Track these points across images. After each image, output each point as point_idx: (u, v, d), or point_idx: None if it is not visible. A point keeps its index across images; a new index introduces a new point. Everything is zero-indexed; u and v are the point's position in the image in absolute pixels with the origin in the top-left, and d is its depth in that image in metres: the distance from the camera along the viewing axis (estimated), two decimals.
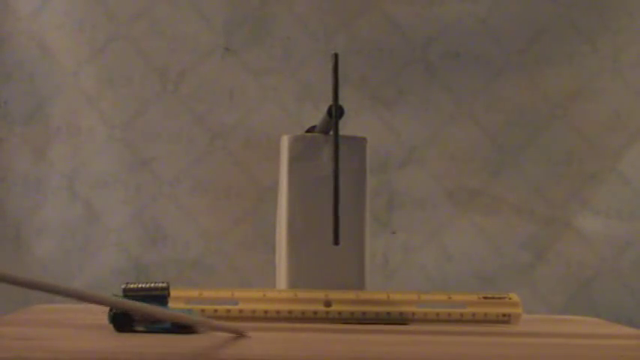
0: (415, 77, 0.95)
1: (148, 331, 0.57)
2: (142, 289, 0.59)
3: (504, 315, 0.70)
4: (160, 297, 0.59)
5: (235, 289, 0.69)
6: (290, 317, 0.68)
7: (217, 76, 0.95)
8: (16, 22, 0.94)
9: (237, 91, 0.95)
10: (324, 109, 0.69)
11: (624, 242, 0.95)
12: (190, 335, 0.56)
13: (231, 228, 0.94)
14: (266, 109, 0.95)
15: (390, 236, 0.95)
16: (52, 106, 0.94)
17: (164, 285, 0.60)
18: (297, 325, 0.65)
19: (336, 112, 0.68)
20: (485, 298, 0.70)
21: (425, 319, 0.69)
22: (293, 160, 0.74)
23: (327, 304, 0.69)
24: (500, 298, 0.70)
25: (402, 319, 0.69)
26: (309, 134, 0.76)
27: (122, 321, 0.58)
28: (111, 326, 0.58)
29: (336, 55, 0.68)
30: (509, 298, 0.71)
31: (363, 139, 0.75)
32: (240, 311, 0.68)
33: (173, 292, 0.61)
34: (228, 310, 0.68)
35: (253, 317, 0.68)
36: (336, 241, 0.65)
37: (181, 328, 0.57)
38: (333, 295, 0.69)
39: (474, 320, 0.70)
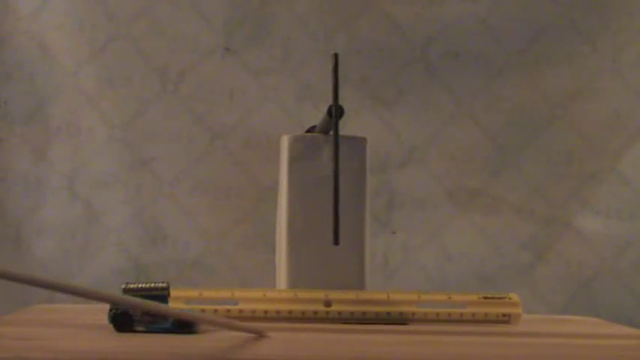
0: (415, 77, 0.95)
1: (148, 331, 0.57)
2: (141, 289, 0.59)
3: (504, 315, 0.70)
4: (159, 297, 0.59)
5: (235, 289, 0.69)
6: (290, 317, 0.68)
7: (217, 76, 0.95)
8: (16, 22, 0.94)
9: (237, 91, 0.95)
10: (324, 109, 0.69)
11: (624, 242, 0.95)
12: (190, 335, 0.56)
13: (231, 228, 0.94)
14: (266, 109, 0.95)
15: (390, 236, 0.95)
16: (52, 106, 0.94)
17: (164, 285, 0.60)
18: (297, 325, 0.65)
19: (336, 112, 0.68)
20: (485, 298, 0.70)
21: (425, 319, 0.69)
22: (293, 160, 0.74)
23: (327, 304, 0.68)
24: (500, 298, 0.70)
25: (402, 319, 0.69)
26: (309, 134, 0.76)
27: (122, 321, 0.58)
28: (111, 326, 0.58)
29: (336, 55, 0.68)
30: (509, 298, 0.71)
31: (363, 139, 0.75)
32: (240, 311, 0.68)
33: (173, 292, 0.61)
34: (228, 310, 0.68)
35: (253, 317, 0.68)
36: (336, 241, 0.65)
37: (181, 328, 0.57)
38: (333, 295, 0.69)
39: (474, 320, 0.70)
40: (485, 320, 0.70)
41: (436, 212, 0.95)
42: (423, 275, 0.94)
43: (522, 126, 0.95)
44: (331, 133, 0.69)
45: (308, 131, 0.78)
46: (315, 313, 0.68)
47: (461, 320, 0.70)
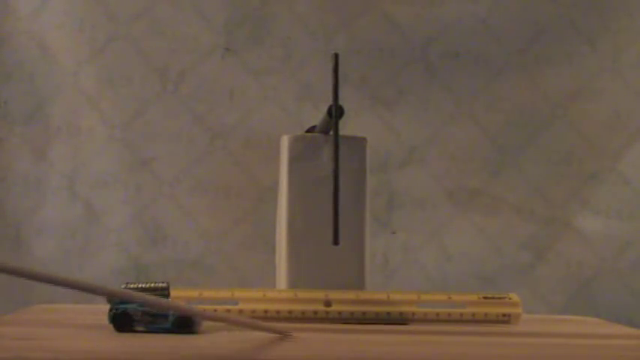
0: (415, 77, 0.95)
1: (148, 331, 0.57)
2: (141, 289, 0.59)
3: (504, 315, 0.70)
4: (159, 297, 0.59)
5: (235, 289, 0.69)
6: (290, 317, 0.68)
7: (217, 76, 0.95)
8: (16, 22, 0.94)
9: (238, 91, 0.95)
10: (324, 109, 0.69)
11: (624, 242, 0.95)
12: (190, 335, 0.56)
13: (231, 228, 0.94)
14: (266, 109, 0.95)
15: (390, 236, 0.95)
16: (52, 106, 0.94)
17: (164, 285, 0.60)
18: (297, 325, 0.65)
19: (336, 112, 0.68)
20: (485, 298, 0.70)
21: (425, 319, 0.69)
22: (293, 160, 0.74)
23: (327, 304, 0.68)
24: (500, 298, 0.70)
25: (402, 319, 0.69)
26: (309, 134, 0.76)
27: (122, 321, 0.58)
28: (111, 326, 0.58)
29: (336, 55, 0.68)
30: (509, 298, 0.71)
31: (363, 139, 0.75)
32: (240, 311, 0.68)
33: (173, 292, 0.61)
34: (228, 310, 0.68)
35: (253, 317, 0.68)
36: (336, 241, 0.65)
37: (181, 328, 0.57)
38: (333, 295, 0.69)
39: (474, 320, 0.70)
40: (485, 320, 0.70)
41: (436, 212, 0.95)
42: (423, 275, 0.94)
43: (522, 126, 0.95)
44: (331, 133, 0.69)
45: (308, 131, 0.78)
46: (315, 313, 0.68)
47: (461, 320, 0.70)
